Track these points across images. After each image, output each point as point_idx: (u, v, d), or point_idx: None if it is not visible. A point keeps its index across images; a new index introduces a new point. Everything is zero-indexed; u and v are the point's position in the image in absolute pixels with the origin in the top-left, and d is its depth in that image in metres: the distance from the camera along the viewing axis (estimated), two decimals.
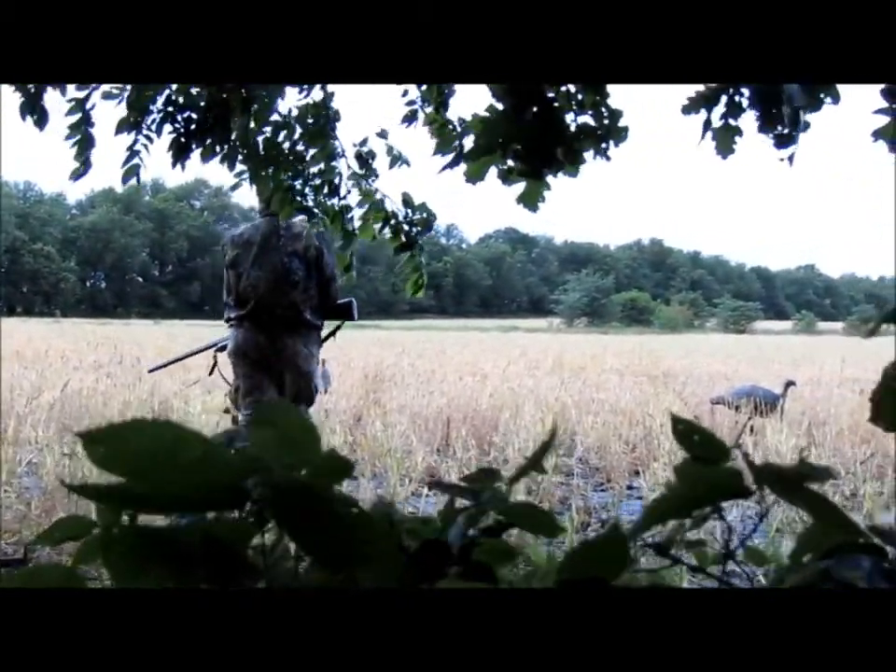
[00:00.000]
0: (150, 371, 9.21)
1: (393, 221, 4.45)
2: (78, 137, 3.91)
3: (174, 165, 3.95)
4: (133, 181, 4.09)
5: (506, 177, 3.22)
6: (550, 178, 3.28)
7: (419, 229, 4.46)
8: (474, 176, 3.38)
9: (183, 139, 3.90)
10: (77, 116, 3.85)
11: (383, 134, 4.38)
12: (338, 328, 6.82)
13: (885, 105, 2.83)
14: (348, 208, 4.54)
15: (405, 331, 53.07)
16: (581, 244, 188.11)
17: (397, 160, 4.47)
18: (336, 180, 4.42)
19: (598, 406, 10.92)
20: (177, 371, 14.40)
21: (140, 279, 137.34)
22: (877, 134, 2.84)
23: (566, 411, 10.33)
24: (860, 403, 10.49)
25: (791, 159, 3.20)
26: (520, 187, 3.29)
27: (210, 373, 7.38)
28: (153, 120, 3.89)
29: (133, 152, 3.97)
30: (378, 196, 4.48)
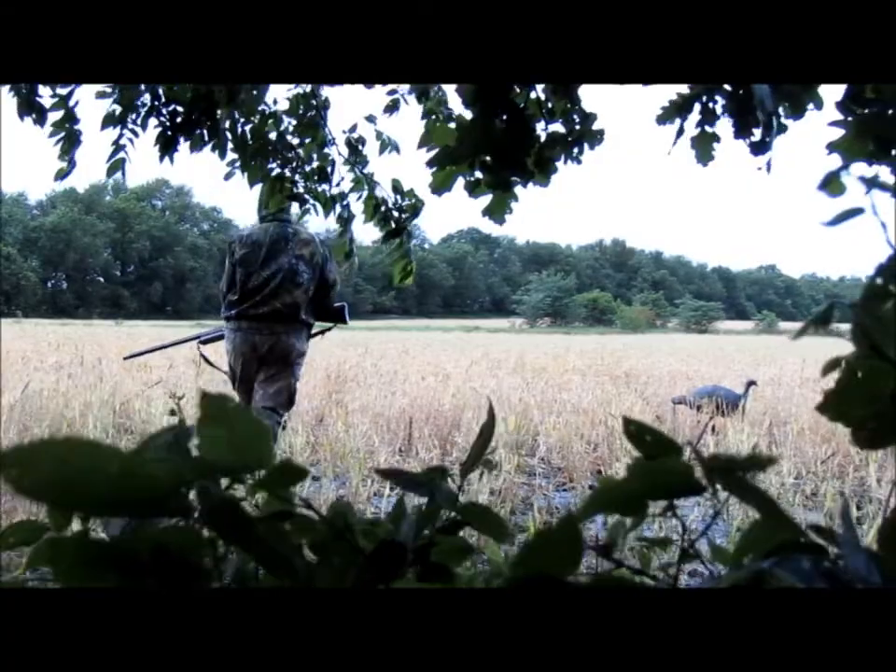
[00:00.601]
0: (126, 357, 9.67)
1: (383, 208, 4.43)
2: (62, 135, 3.89)
3: (161, 159, 3.93)
4: (118, 175, 4.07)
5: (473, 189, 3.20)
6: (519, 189, 3.26)
7: (407, 215, 4.44)
8: (440, 187, 3.36)
9: (169, 132, 3.88)
10: (61, 113, 3.83)
11: (371, 119, 4.39)
12: (329, 328, 7.40)
13: (840, 117, 2.83)
14: (343, 195, 4.56)
15: (368, 332, 53.00)
16: (544, 244, 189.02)
17: (386, 145, 4.48)
18: (329, 168, 4.43)
19: (561, 406, 10.93)
20: (139, 372, 14.36)
21: (102, 279, 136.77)
22: (832, 147, 2.84)
23: (528, 411, 10.33)
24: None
25: (768, 166, 3.20)
26: (486, 198, 3.26)
27: (201, 364, 8.16)
28: (138, 114, 3.87)
29: (118, 146, 3.95)
30: (369, 182, 4.48)
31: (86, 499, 0.86)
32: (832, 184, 0.82)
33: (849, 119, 2.81)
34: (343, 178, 4.50)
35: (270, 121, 4.17)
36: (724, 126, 3.15)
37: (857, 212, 0.81)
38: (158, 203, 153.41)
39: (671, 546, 1.20)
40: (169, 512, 0.92)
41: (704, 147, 3.21)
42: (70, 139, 3.89)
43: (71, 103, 3.82)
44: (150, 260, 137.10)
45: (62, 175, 4.01)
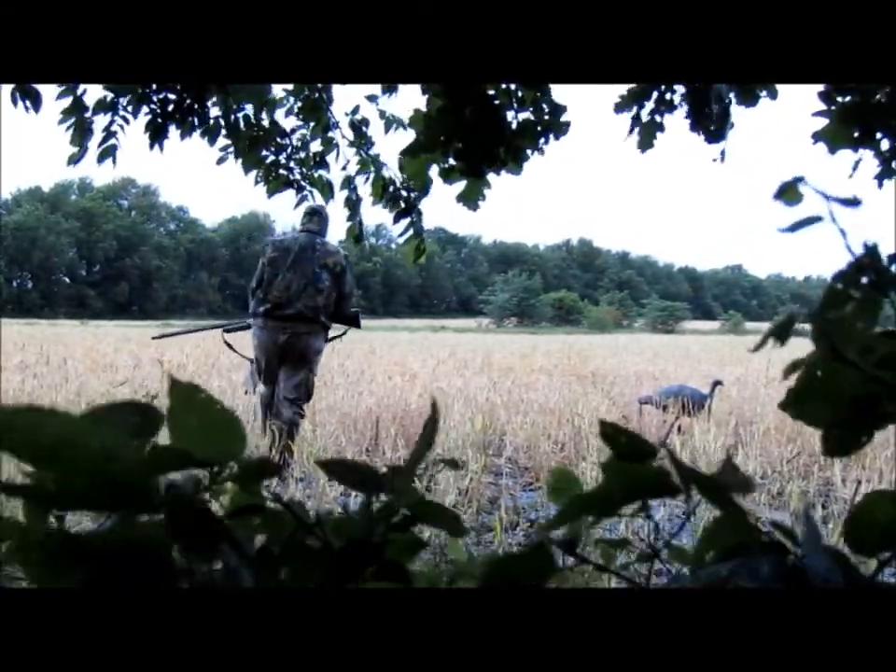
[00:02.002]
0: (154, 338, 10.69)
1: (391, 188, 4.40)
2: (73, 121, 3.89)
3: (151, 146, 3.95)
4: (109, 161, 4.06)
5: (447, 176, 3.21)
6: (492, 176, 3.27)
7: (416, 193, 4.42)
8: (415, 176, 3.37)
9: (160, 119, 3.88)
10: (69, 99, 3.83)
11: (372, 99, 4.36)
12: (345, 332, 8.44)
13: (823, 107, 2.86)
14: (350, 178, 4.55)
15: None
16: (510, 244, 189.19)
17: (391, 123, 4.45)
18: (335, 151, 4.42)
19: (527, 406, 10.95)
20: (105, 372, 14.30)
21: (67, 279, 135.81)
22: (817, 136, 2.87)
23: (495, 410, 10.35)
24: None
25: (722, 156, 3.22)
26: (460, 185, 3.27)
27: (229, 349, 8.80)
28: (129, 101, 3.86)
29: (109, 133, 3.95)
30: (375, 163, 4.46)
31: (73, 475, 0.85)
32: (788, 192, 0.83)
33: (832, 108, 2.84)
34: (348, 161, 4.49)
35: (264, 108, 4.17)
36: (680, 121, 3.18)
37: (814, 220, 0.81)
38: (124, 202, 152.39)
39: (629, 547, 1.20)
40: (141, 504, 0.91)
41: (647, 134, 3.23)
42: (80, 126, 3.90)
43: (79, 91, 3.83)
44: (116, 260, 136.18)
45: (74, 159, 4.02)
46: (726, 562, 0.94)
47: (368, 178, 4.48)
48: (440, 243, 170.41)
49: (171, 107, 3.85)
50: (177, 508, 0.90)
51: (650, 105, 3.19)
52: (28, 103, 3.58)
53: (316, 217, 7.88)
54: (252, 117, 4.17)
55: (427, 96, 3.08)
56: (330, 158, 4.50)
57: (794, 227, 0.83)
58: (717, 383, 10.69)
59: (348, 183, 4.56)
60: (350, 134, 4.41)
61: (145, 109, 3.86)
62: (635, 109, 3.20)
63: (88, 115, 3.89)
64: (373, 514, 1.04)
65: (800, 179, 0.83)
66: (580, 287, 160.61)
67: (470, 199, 3.31)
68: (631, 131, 3.22)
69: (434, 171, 3.32)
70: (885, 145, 2.88)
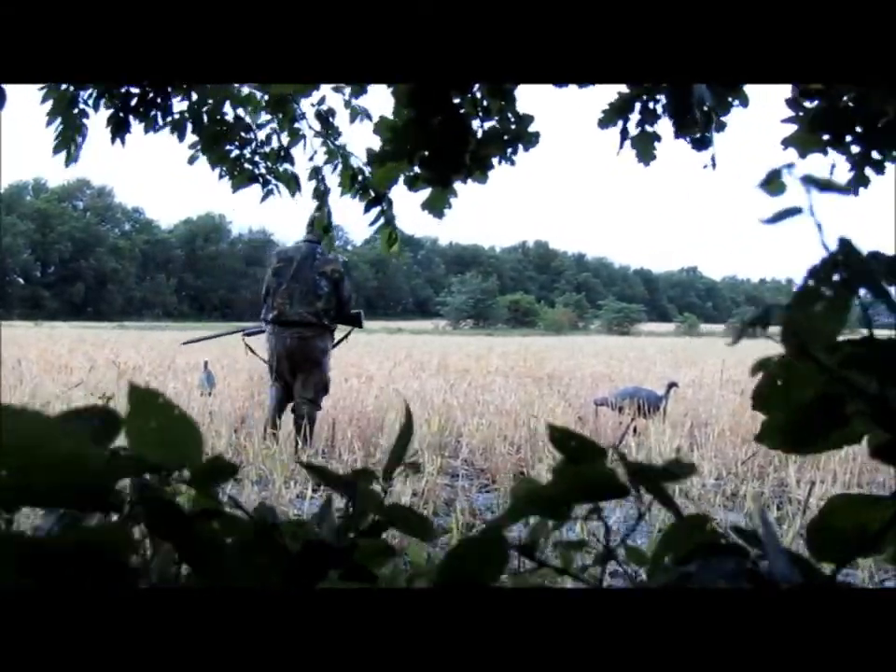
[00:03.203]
0: (184, 343, 12.47)
1: (360, 178, 4.38)
2: (59, 121, 3.87)
3: (112, 141, 3.90)
4: (63, 154, 4.02)
5: (413, 184, 3.21)
6: (458, 185, 3.27)
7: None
8: (381, 183, 3.37)
9: (121, 114, 3.84)
10: (50, 102, 3.81)
11: (339, 90, 4.32)
12: (349, 333, 9.28)
13: (791, 113, 2.88)
14: (318, 169, 4.53)
15: (339, 333, 52.54)
16: (467, 245, 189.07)
17: (357, 113, 4.42)
18: (301, 143, 4.40)
19: (483, 407, 10.96)
20: (59, 373, 14.19)
21: (21, 280, 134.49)
22: (787, 142, 2.88)
23: (451, 412, 10.34)
24: (741, 404, 10.68)
25: (713, 162, 3.23)
26: (424, 193, 3.27)
27: (246, 355, 9.71)
28: (90, 95, 3.83)
29: (69, 125, 3.91)
30: (343, 154, 4.43)
31: (36, 474, 0.85)
32: (772, 183, 0.83)
33: (800, 114, 2.86)
34: (315, 152, 4.47)
35: (227, 101, 4.15)
36: (663, 125, 3.19)
37: (795, 211, 0.82)
38: (79, 203, 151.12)
39: (586, 548, 1.20)
40: (103, 507, 0.91)
41: (645, 146, 3.25)
42: (67, 124, 3.88)
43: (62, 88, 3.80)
44: (71, 261, 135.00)
45: (72, 158, 4.00)
46: (684, 565, 0.95)
47: (336, 168, 4.46)
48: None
49: (133, 101, 3.83)
50: (151, 506, 0.90)
51: (634, 117, 3.20)
52: None
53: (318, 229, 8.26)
54: (216, 111, 4.14)
55: (392, 101, 3.08)
56: (297, 149, 4.47)
57: (775, 218, 0.83)
58: (672, 384, 10.74)
59: (316, 174, 4.54)
60: (317, 125, 4.39)
61: (105, 102, 3.84)
62: (620, 123, 3.21)
63: (76, 111, 3.87)
64: (344, 519, 1.05)
65: (788, 166, 0.83)
66: (536, 288, 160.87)
67: (436, 207, 3.30)
68: (622, 145, 3.23)
69: (400, 179, 3.32)
70: (855, 148, 2.89)
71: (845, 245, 0.83)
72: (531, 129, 3.17)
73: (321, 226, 4.87)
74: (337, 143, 4.44)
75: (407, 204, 4.59)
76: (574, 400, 12.33)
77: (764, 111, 3.12)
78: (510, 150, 3.19)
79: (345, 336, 9.32)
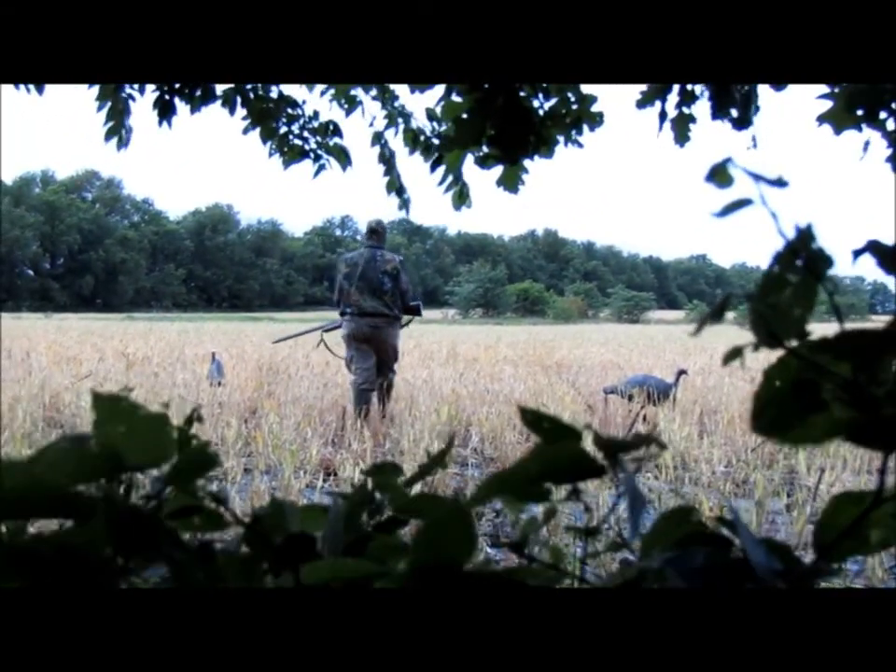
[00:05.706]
0: (275, 342, 15.05)
1: (422, 138, 4.38)
2: (109, 105, 3.88)
3: (160, 123, 3.91)
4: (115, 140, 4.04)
5: (483, 163, 3.27)
6: (528, 162, 3.33)
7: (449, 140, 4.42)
8: (453, 165, 3.43)
9: (167, 96, 3.85)
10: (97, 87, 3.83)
11: None
12: (410, 321, 10.51)
13: (826, 90, 2.87)
14: (380, 134, 4.57)
15: (299, 323, 52.64)
16: (476, 235, 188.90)
17: None
18: (359, 109, 4.40)
19: (493, 396, 10.97)
20: (69, 365, 14.21)
21: (31, 272, 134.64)
22: (822, 118, 2.88)
23: (460, 401, 10.36)
24: (750, 392, 10.66)
25: (754, 142, 3.24)
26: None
27: (317, 346, 11.50)
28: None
29: (116, 111, 3.93)
30: (403, 115, 4.43)
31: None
32: (718, 175, 0.83)
33: (836, 90, 2.85)
34: (374, 118, 4.47)
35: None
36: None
37: (745, 203, 0.82)
38: (87, 195, 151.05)
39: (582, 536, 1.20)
40: (71, 514, 0.91)
41: (681, 128, 3.25)
42: (115, 108, 3.89)
43: None
44: (80, 253, 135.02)
45: (121, 143, 4.02)
46: (663, 555, 0.94)
47: (397, 132, 4.46)
48: (405, 234, 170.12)
49: (178, 84, 3.83)
50: (114, 511, 0.90)
51: (673, 99, 3.20)
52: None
53: (375, 235, 10.14)
54: (260, 88, 4.15)
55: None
56: (354, 118, 4.47)
57: (725, 211, 0.83)
58: (681, 372, 10.74)
59: (378, 139, 4.56)
60: (373, 91, 4.39)
61: (151, 86, 3.84)
62: (658, 105, 3.21)
63: (123, 94, 3.88)
64: (348, 511, 1.04)
65: (728, 161, 0.83)
66: (545, 277, 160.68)
67: (510, 183, 3.40)
68: (661, 127, 3.23)
69: (469, 158, 3.37)
70: (891, 125, 2.88)
71: (803, 231, 0.83)
72: (594, 109, 3.20)
73: (393, 187, 4.85)
74: (395, 105, 4.44)
75: (415, 194, 4.60)
76: (583, 389, 12.34)
77: (778, 96, 3.12)
78: (574, 131, 3.22)
79: (408, 322, 10.49)
